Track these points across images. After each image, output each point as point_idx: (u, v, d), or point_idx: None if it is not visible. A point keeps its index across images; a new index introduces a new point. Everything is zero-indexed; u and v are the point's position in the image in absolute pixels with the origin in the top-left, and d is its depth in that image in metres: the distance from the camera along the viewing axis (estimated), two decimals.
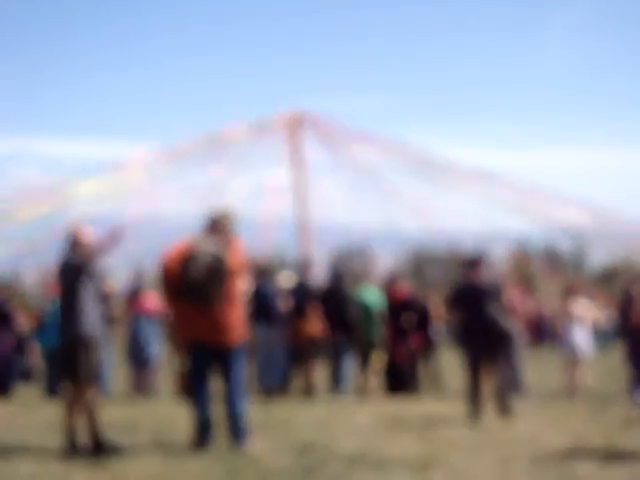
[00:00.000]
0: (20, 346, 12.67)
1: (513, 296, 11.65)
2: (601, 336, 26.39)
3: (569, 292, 12.89)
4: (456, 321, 9.73)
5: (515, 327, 10.79)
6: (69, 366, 6.86)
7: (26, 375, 13.68)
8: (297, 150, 17.31)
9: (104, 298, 9.01)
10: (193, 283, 6.70)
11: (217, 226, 7.05)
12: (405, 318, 12.29)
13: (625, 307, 11.79)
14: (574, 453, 6.55)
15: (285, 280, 12.64)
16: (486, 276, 9.39)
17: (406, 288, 12.76)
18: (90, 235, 7.09)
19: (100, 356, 7.03)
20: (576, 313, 12.56)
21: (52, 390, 12.00)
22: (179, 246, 6.92)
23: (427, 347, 12.73)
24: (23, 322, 13.26)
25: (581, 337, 12.50)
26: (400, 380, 12.11)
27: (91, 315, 6.88)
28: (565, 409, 9.79)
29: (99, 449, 6.74)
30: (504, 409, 9.02)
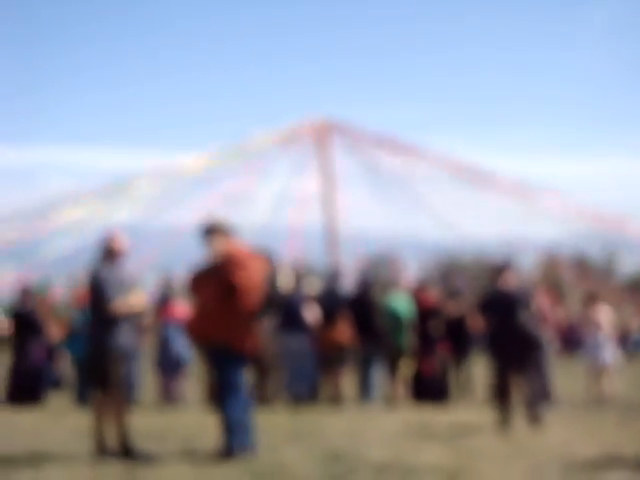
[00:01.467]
0: (50, 355, 12.75)
1: (542, 304, 11.57)
2: (631, 344, 26.17)
3: (592, 300, 12.77)
4: (485, 328, 9.66)
5: (545, 335, 10.71)
6: (98, 376, 6.92)
7: (57, 383, 13.77)
8: (325, 158, 17.32)
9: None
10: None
11: (218, 232, 7.11)
12: (433, 326, 12.24)
13: None
14: (605, 463, 6.49)
15: (311, 287, 12.62)
16: (515, 283, 9.34)
17: (434, 296, 12.70)
18: (124, 243, 7.16)
19: (130, 366, 7.08)
20: (599, 321, 12.43)
21: (82, 398, 12.08)
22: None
23: (458, 355, 12.66)
24: (53, 331, 13.34)
25: (605, 345, 12.35)
26: (429, 388, 12.04)
27: (121, 326, 6.95)
28: (595, 418, 9.69)
29: (128, 456, 6.78)
30: (534, 418, 8.96)
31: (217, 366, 6.96)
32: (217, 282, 6.90)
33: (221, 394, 6.89)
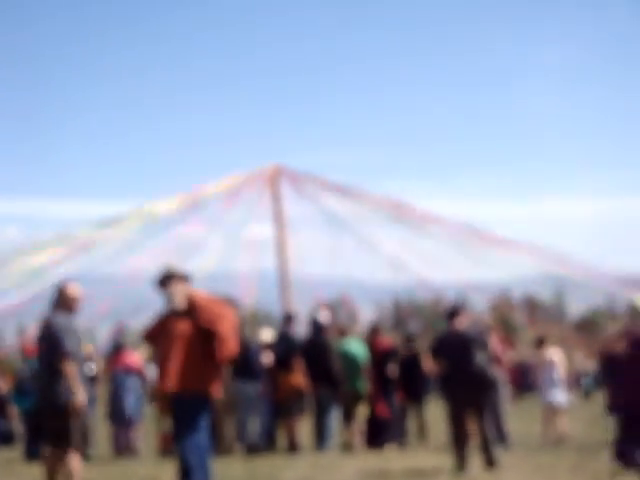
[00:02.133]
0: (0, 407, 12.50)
1: (495, 345, 11.66)
2: (585, 385, 26.47)
3: (543, 342, 12.91)
4: (439, 371, 9.68)
5: (498, 376, 10.78)
6: (51, 430, 6.78)
7: (7, 438, 13.48)
8: (276, 204, 17.37)
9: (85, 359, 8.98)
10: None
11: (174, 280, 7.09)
12: (388, 369, 12.24)
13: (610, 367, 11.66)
14: None
15: (266, 335, 12.58)
16: (469, 325, 9.41)
17: (388, 339, 12.72)
18: (78, 292, 7.08)
19: (86, 420, 6.95)
20: (552, 362, 12.55)
21: (31, 453, 11.81)
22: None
23: (413, 398, 12.67)
24: (1, 384, 13.10)
25: (558, 386, 12.45)
26: (385, 432, 12.01)
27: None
28: (550, 460, 9.73)
29: None
30: (490, 460, 8.96)
31: (182, 411, 6.84)
32: (192, 329, 6.84)
33: (183, 439, 6.78)
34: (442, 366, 9.44)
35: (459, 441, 9.02)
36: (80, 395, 6.83)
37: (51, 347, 6.85)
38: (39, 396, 7.12)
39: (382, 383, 12.13)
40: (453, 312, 9.46)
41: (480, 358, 9.09)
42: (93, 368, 12.54)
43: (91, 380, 11.56)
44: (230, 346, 6.86)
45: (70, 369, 6.74)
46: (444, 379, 9.55)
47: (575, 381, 25.76)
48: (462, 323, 9.33)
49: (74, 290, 7.08)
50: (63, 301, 7.00)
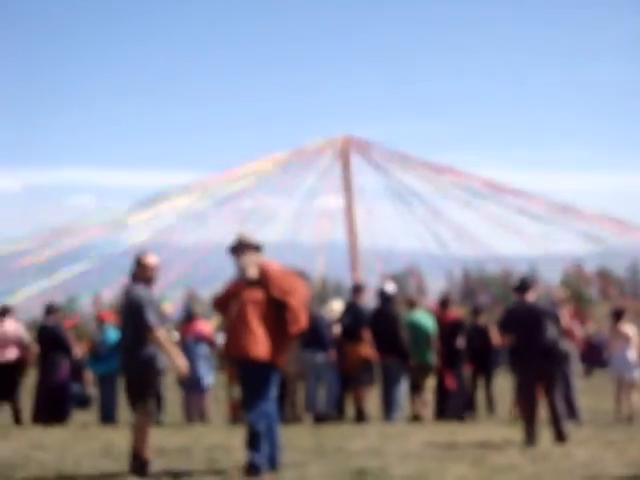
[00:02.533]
0: (75, 373, 12.79)
1: (568, 319, 11.48)
2: None
3: (619, 315, 12.63)
4: (509, 344, 9.57)
5: (571, 351, 10.61)
6: (139, 392, 6.94)
7: (85, 402, 13.83)
8: (347, 175, 17.34)
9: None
10: None
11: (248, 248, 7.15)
12: (457, 342, 12.18)
13: None
14: None
15: (336, 306, 12.62)
16: (541, 298, 9.27)
17: (456, 311, 12.63)
18: (156, 262, 7.20)
19: (161, 387, 7.09)
20: (628, 337, 12.30)
21: (105, 417, 12.11)
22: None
23: (483, 371, 12.59)
24: (77, 348, 13.40)
25: (630, 361, 12.18)
26: (453, 405, 11.97)
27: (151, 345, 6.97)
28: (623, 436, 9.57)
29: (141, 472, 6.79)
30: (560, 435, 8.86)
31: (251, 379, 6.93)
32: (263, 298, 6.91)
33: (251, 407, 6.86)
34: (512, 339, 9.34)
35: (529, 414, 8.93)
36: (181, 360, 7.01)
37: (134, 319, 6.98)
38: (122, 363, 7.28)
39: (449, 355, 12.08)
40: (523, 285, 9.33)
41: (551, 331, 8.97)
42: (176, 334, 12.79)
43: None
44: (301, 319, 6.90)
45: (160, 339, 6.89)
46: (514, 352, 9.45)
47: None
48: (532, 296, 9.21)
49: (152, 261, 7.20)
50: (141, 272, 7.13)
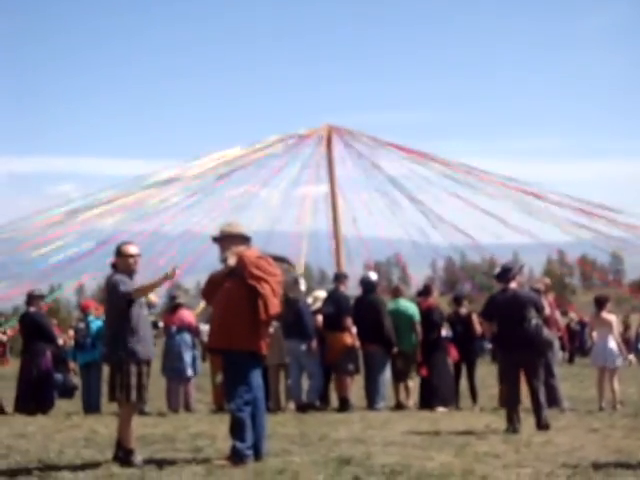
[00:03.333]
0: (58, 362, 12.75)
1: (551, 307, 11.54)
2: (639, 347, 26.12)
3: (602, 303, 12.68)
4: (491, 333, 9.61)
5: (553, 338, 10.66)
6: (120, 383, 6.92)
7: (68, 391, 13.78)
8: (330, 163, 17.32)
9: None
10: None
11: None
12: (439, 330, 12.21)
13: None
14: (615, 468, 6.45)
15: (320, 296, 12.64)
16: (524, 286, 9.29)
17: (433, 300, 12.60)
18: (134, 252, 7.17)
19: (144, 377, 7.04)
20: (607, 323, 12.36)
21: (89, 406, 12.09)
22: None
23: (465, 359, 12.63)
24: (64, 339, 13.40)
25: (612, 349, 12.24)
26: (435, 393, 11.99)
27: (141, 332, 6.95)
28: (604, 423, 9.64)
29: (126, 460, 6.78)
30: (541, 423, 8.92)
31: (232, 368, 6.93)
32: (239, 286, 6.90)
33: (233, 396, 6.86)
34: (494, 327, 9.38)
35: (511, 402, 8.99)
36: (144, 347, 6.99)
37: (113, 304, 6.98)
38: (105, 353, 7.28)
39: (433, 343, 12.09)
40: (505, 273, 9.36)
41: (533, 320, 9.01)
42: (160, 324, 12.79)
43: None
44: (272, 305, 6.88)
45: (138, 292, 6.90)
46: (496, 340, 9.49)
47: (631, 344, 25.44)
48: (515, 284, 9.24)
49: (133, 250, 7.18)
50: (122, 261, 7.12)
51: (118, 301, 6.94)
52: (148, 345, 7.09)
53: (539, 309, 9.22)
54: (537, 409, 9.00)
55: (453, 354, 12.41)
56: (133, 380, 6.90)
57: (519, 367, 9.04)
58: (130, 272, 7.14)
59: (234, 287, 6.92)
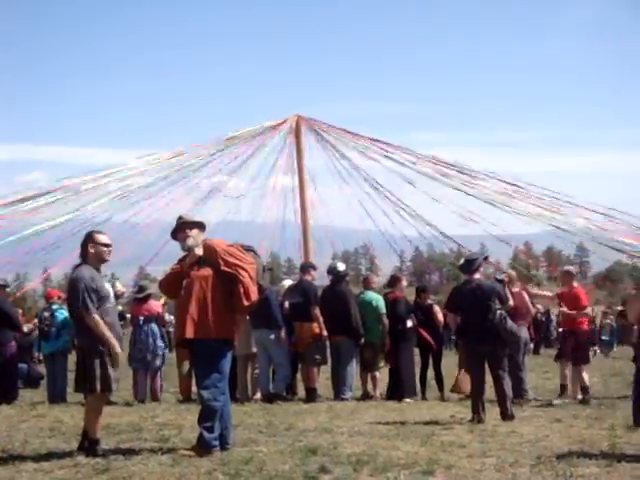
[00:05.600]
0: (23, 351, 12.64)
1: (520, 299, 11.60)
2: (605, 340, 26.45)
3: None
4: (457, 323, 9.65)
5: (518, 330, 10.75)
6: (86, 374, 6.85)
7: (33, 381, 13.68)
8: (298, 154, 17.30)
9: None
10: None
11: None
12: (406, 320, 12.25)
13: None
14: (579, 456, 6.54)
15: (287, 285, 12.65)
16: (489, 277, 9.34)
17: (399, 292, 12.62)
18: (105, 241, 7.06)
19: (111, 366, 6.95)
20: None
21: (55, 396, 11.99)
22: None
23: (431, 350, 12.69)
24: (29, 328, 13.27)
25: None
26: (401, 383, 12.05)
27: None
28: (568, 413, 9.76)
29: (91, 450, 6.74)
30: (506, 414, 9.00)
31: (204, 356, 6.90)
32: (211, 275, 6.87)
33: (205, 384, 6.84)
34: (457, 319, 9.43)
35: (476, 393, 9.06)
36: (113, 343, 6.87)
37: (73, 300, 6.87)
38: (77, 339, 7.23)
39: (399, 333, 12.13)
40: (469, 264, 9.41)
41: (498, 311, 9.06)
42: (127, 315, 12.71)
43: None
44: (253, 293, 6.90)
45: (93, 322, 6.75)
46: (461, 331, 9.53)
47: (595, 336, 25.76)
48: (479, 275, 9.28)
49: (102, 239, 7.05)
50: (91, 250, 6.98)
51: (76, 306, 6.82)
52: (114, 335, 7.00)
53: (503, 300, 9.27)
54: (501, 400, 9.07)
55: (427, 339, 12.44)
56: (97, 371, 6.82)
57: (483, 358, 9.10)
58: (101, 261, 7.04)
59: (205, 276, 6.89)
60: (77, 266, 7.01)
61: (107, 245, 7.05)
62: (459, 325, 9.48)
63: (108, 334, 6.81)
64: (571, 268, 13.16)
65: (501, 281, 10.62)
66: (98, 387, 6.83)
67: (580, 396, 11.58)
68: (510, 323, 9.29)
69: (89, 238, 7.05)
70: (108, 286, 7.89)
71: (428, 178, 17.55)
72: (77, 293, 6.76)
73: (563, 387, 11.94)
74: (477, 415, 8.88)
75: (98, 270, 7.04)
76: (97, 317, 6.77)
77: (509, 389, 9.23)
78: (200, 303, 6.85)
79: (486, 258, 10.00)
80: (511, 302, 9.79)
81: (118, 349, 6.89)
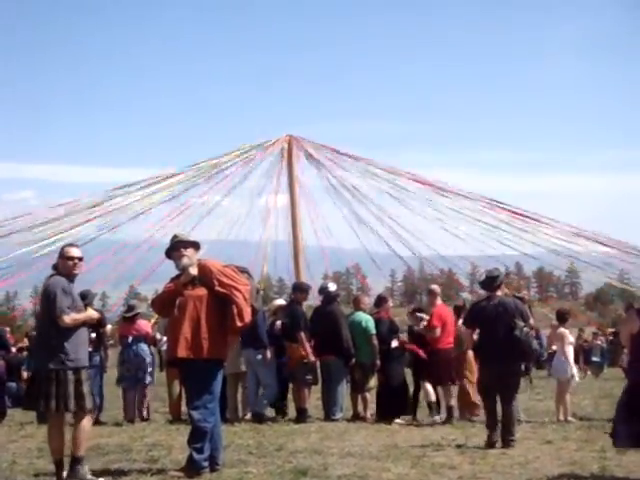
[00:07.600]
0: (12, 370, 12.58)
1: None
2: (595, 361, 26.44)
3: (565, 316, 12.80)
4: (475, 340, 9.47)
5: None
6: (37, 393, 6.74)
7: (21, 400, 13.55)
8: (290, 173, 17.34)
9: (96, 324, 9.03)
10: None
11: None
12: (396, 340, 12.21)
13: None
14: (569, 478, 6.53)
15: (278, 304, 12.63)
16: (508, 295, 9.22)
17: (387, 312, 12.57)
18: (75, 255, 7.00)
19: (90, 383, 6.88)
20: (563, 338, 12.47)
21: (43, 416, 11.90)
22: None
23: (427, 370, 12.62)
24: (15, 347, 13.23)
25: (568, 362, 12.35)
26: (393, 404, 11.99)
27: (73, 341, 6.75)
28: (559, 435, 9.74)
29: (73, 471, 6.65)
30: (508, 441, 8.75)
31: (195, 376, 6.88)
32: (205, 295, 6.87)
33: (195, 404, 6.81)
34: (475, 335, 9.24)
35: (492, 421, 8.83)
36: (89, 315, 6.88)
37: (45, 309, 6.81)
38: (36, 360, 7.14)
39: (390, 354, 12.07)
40: (492, 280, 9.19)
41: (525, 328, 8.84)
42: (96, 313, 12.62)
43: (103, 345, 11.65)
44: (247, 314, 6.90)
45: (70, 320, 6.67)
46: (480, 347, 9.30)
47: (585, 357, 25.76)
48: (501, 292, 9.15)
49: (73, 253, 7.01)
50: (62, 264, 6.94)
51: (51, 312, 6.77)
52: (85, 351, 6.93)
53: (525, 318, 9.07)
54: (510, 425, 8.81)
55: (420, 353, 12.35)
56: (70, 388, 6.68)
57: (500, 379, 8.87)
58: (70, 275, 6.98)
59: (199, 296, 6.89)
60: (50, 276, 6.98)
61: (72, 258, 6.99)
62: (477, 341, 9.36)
63: (83, 316, 6.80)
64: (434, 287, 12.89)
65: (521, 298, 10.51)
66: (71, 405, 6.68)
67: (443, 415, 11.60)
68: (534, 341, 9.18)
69: (60, 251, 7.06)
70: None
71: (422, 200, 17.62)
72: (51, 296, 6.71)
73: (435, 404, 11.91)
74: (492, 437, 8.69)
75: (71, 282, 6.98)
76: (71, 314, 6.71)
77: (517, 413, 9.08)
78: (193, 323, 6.85)
79: (507, 275, 9.93)
80: (532, 320, 9.65)
81: (95, 314, 6.89)
